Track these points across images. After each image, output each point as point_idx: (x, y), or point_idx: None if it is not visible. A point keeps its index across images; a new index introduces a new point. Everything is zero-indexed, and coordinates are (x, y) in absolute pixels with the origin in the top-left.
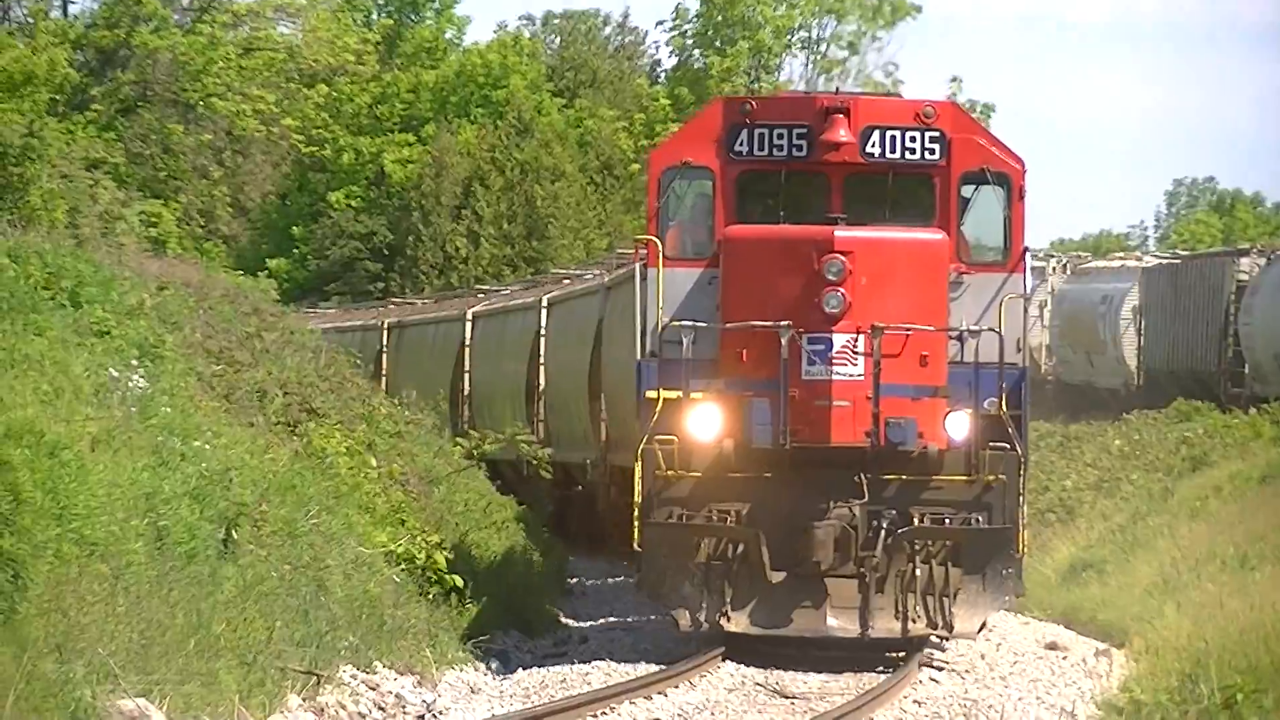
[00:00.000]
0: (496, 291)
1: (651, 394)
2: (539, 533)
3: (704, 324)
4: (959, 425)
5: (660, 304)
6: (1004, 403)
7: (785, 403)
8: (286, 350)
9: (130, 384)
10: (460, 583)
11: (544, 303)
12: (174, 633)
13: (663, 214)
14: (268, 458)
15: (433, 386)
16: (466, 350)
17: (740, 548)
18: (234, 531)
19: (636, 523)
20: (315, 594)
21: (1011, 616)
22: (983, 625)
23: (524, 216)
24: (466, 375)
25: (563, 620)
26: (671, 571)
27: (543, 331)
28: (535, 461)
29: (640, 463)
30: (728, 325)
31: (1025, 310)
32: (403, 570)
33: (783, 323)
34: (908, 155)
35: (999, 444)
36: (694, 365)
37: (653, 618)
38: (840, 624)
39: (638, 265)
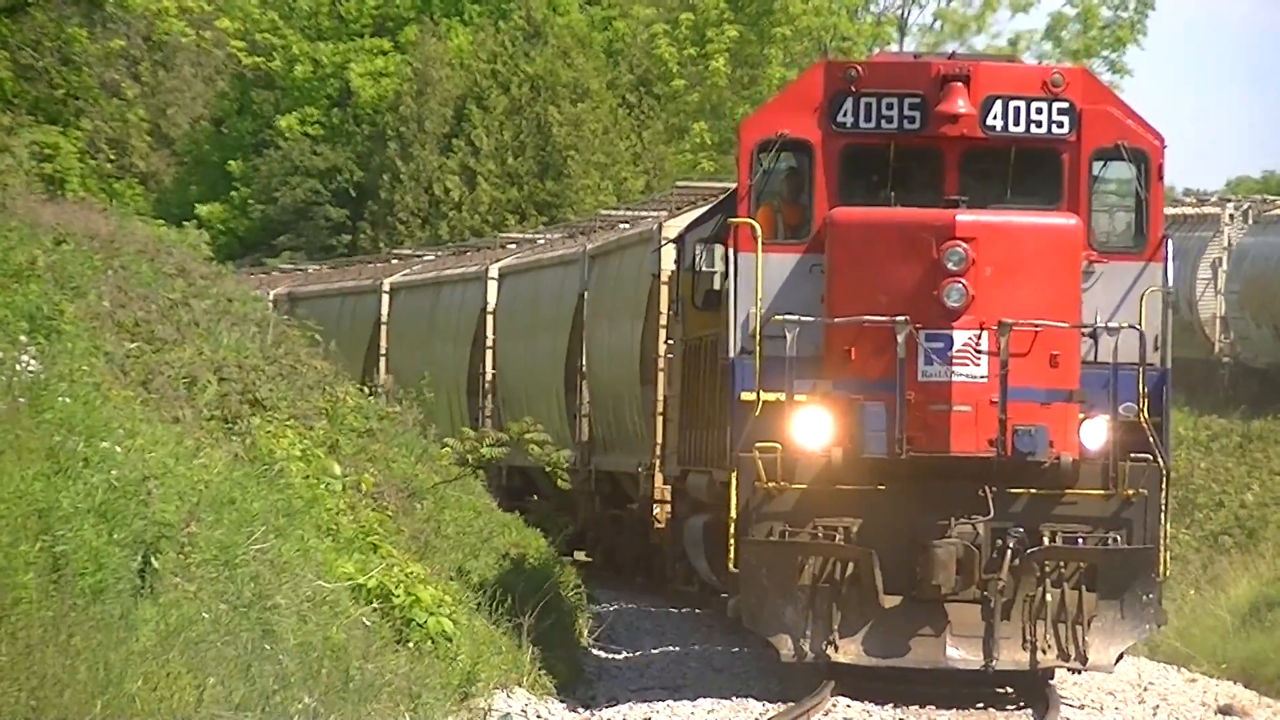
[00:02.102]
0: (418, 258)
1: (749, 396)
2: (554, 560)
3: (810, 318)
4: (1095, 433)
5: (759, 295)
6: (1145, 408)
7: (902, 407)
8: (223, 323)
9: (18, 367)
10: (450, 626)
11: (492, 273)
12: (75, 691)
13: (754, 193)
14: (198, 463)
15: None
16: (383, 330)
17: (850, 568)
18: (153, 559)
19: (732, 540)
20: (260, 641)
21: (1173, 671)
22: (1119, 657)
23: (535, 148)
24: (383, 360)
25: (585, 672)
26: (772, 595)
27: (490, 309)
28: (550, 468)
29: (736, 472)
30: (837, 319)
31: (1167, 305)
32: (375, 610)
33: (899, 317)
34: (1033, 129)
35: (1139, 454)
36: (796, 364)
37: (698, 646)
38: (962, 654)
39: (729, 249)
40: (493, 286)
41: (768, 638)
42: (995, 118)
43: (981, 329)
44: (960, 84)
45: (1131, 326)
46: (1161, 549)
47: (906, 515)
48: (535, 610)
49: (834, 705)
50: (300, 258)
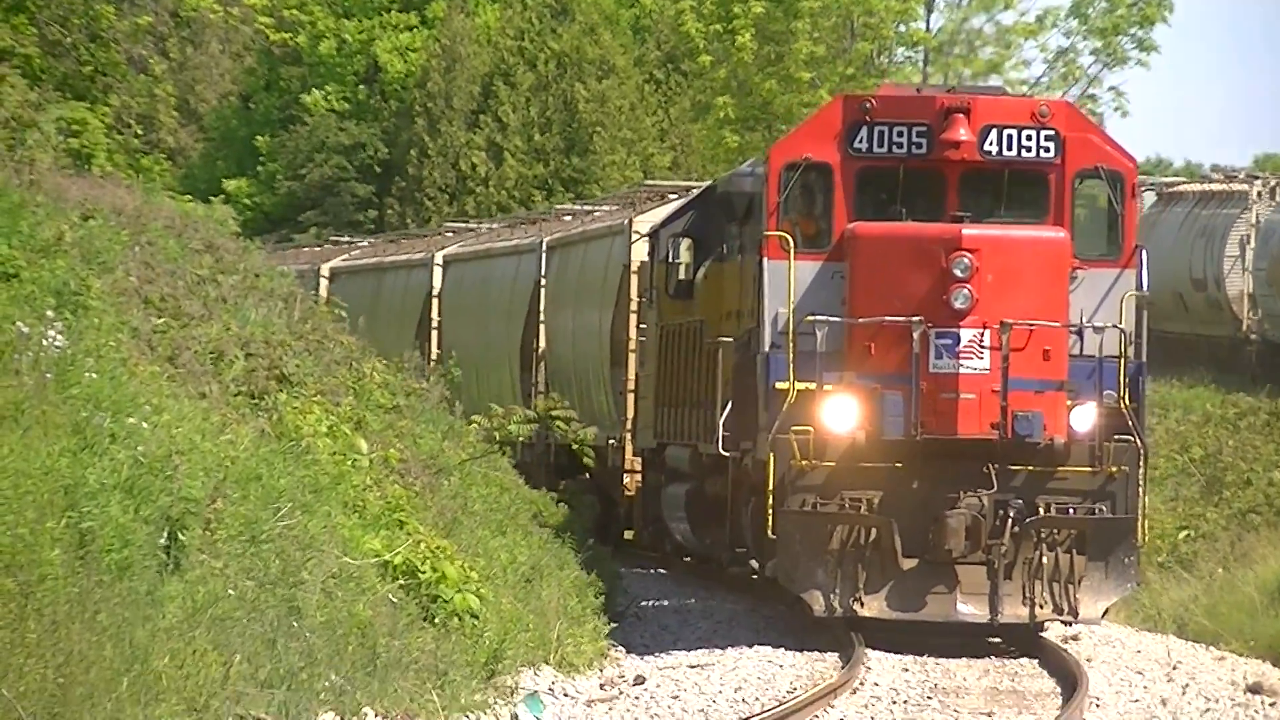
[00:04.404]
0: (353, 244)
1: (782, 385)
2: (581, 539)
3: (837, 318)
4: (1084, 418)
5: (792, 298)
6: (1125, 396)
7: (916, 396)
8: (250, 299)
9: (45, 342)
10: (476, 603)
11: (438, 260)
12: (101, 668)
13: (782, 208)
14: (224, 439)
15: None
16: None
17: (873, 535)
18: (180, 536)
19: (770, 510)
20: (286, 618)
21: (1202, 650)
22: (1106, 611)
23: (561, 125)
24: None
25: (612, 654)
26: (805, 558)
27: (435, 293)
28: (578, 445)
29: (773, 452)
30: (860, 320)
31: (1141, 307)
32: (401, 587)
33: (914, 318)
34: (1024, 154)
35: (1121, 436)
36: (825, 358)
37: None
38: (970, 609)
39: (765, 260)
40: (438, 272)
41: (801, 595)
42: (991, 144)
43: (984, 328)
44: (962, 115)
45: (1115, 326)
46: (1140, 518)
47: (921, 489)
48: (563, 587)
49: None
50: (328, 233)
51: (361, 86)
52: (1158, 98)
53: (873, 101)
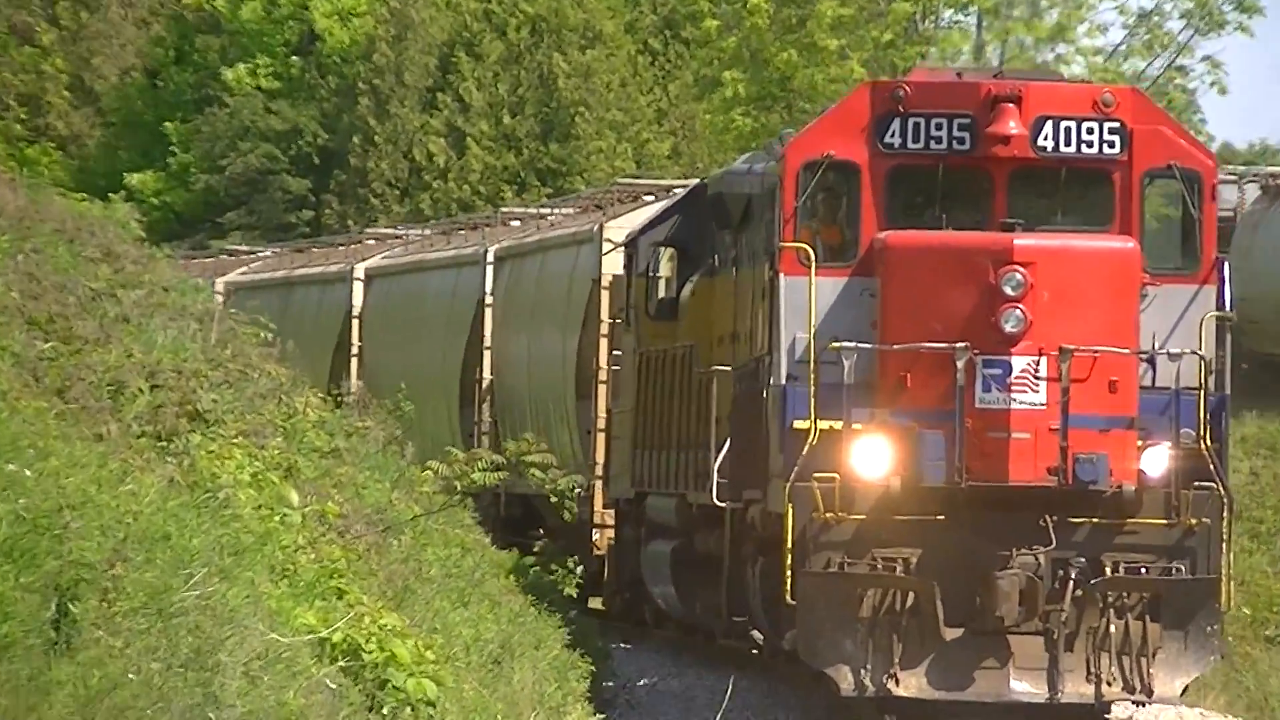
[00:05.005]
0: (254, 254)
1: (802, 424)
2: (561, 608)
3: (866, 345)
4: (1156, 461)
5: (813, 321)
6: (1206, 434)
7: (961, 435)
8: (156, 318)
9: None
10: (433, 689)
11: (359, 273)
12: None
13: (801, 215)
14: (125, 490)
15: None
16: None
17: (910, 600)
18: (71, 608)
19: (789, 572)
20: (200, 708)
21: None
22: (1185, 689)
23: (537, 105)
24: None
25: None
26: (830, 627)
27: (356, 312)
28: (557, 498)
29: (792, 503)
30: (895, 346)
31: (1224, 329)
32: (341, 670)
33: (959, 344)
34: (1084, 150)
35: (1201, 482)
36: (853, 391)
37: None
38: (1026, 687)
39: (780, 275)
40: (358, 289)
41: (825, 671)
42: (1046, 139)
43: (1040, 355)
44: (1011, 104)
45: (1193, 352)
46: (1225, 579)
47: (967, 546)
48: (539, 669)
49: None
50: (255, 238)
51: (295, 59)
52: (1262, 70)
53: (906, 89)
